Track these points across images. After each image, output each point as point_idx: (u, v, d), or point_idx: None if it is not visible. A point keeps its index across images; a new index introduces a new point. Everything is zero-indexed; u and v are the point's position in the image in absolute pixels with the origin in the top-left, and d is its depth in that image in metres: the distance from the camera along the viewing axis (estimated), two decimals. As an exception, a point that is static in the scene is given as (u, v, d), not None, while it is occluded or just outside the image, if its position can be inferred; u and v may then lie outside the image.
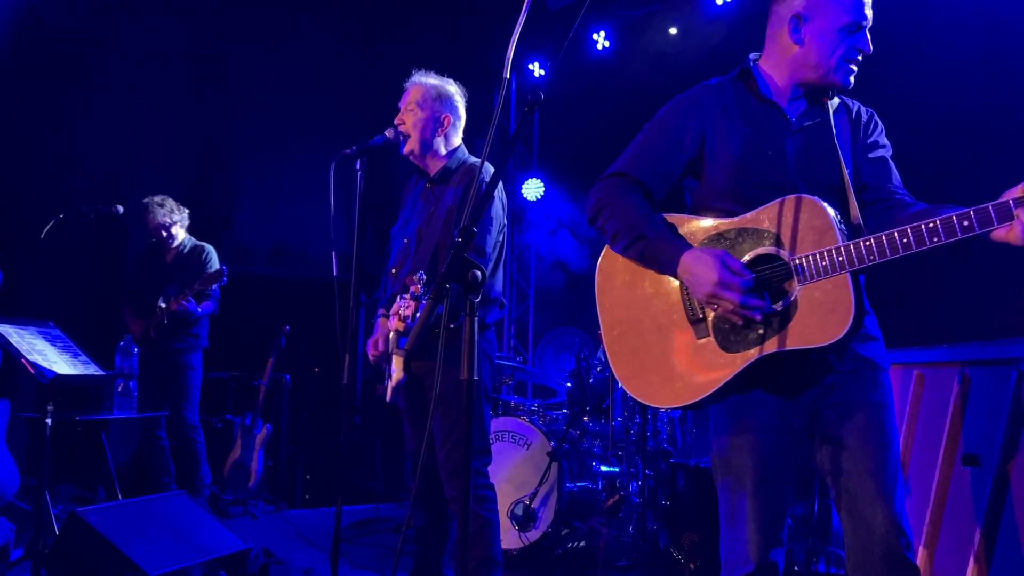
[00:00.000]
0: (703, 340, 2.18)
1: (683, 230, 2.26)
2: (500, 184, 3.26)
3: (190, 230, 6.00)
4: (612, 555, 4.74)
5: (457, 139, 3.53)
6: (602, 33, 7.30)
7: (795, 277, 2.05)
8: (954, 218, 1.86)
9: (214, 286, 5.51)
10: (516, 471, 4.98)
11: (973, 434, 2.88)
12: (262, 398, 6.37)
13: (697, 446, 5.53)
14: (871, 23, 2.21)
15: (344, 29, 7.64)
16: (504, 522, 4.73)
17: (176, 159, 7.16)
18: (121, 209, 5.39)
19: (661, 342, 2.24)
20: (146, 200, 5.79)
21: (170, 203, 5.82)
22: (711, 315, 2.17)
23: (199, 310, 5.60)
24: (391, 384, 3.22)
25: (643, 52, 7.16)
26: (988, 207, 1.84)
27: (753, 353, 2.09)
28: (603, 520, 4.93)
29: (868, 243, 1.97)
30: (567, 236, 7.82)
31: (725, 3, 6.38)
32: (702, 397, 2.15)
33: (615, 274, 2.35)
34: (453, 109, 3.49)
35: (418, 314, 2.96)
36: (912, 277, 5.13)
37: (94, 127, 6.57)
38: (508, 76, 1.89)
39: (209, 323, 5.93)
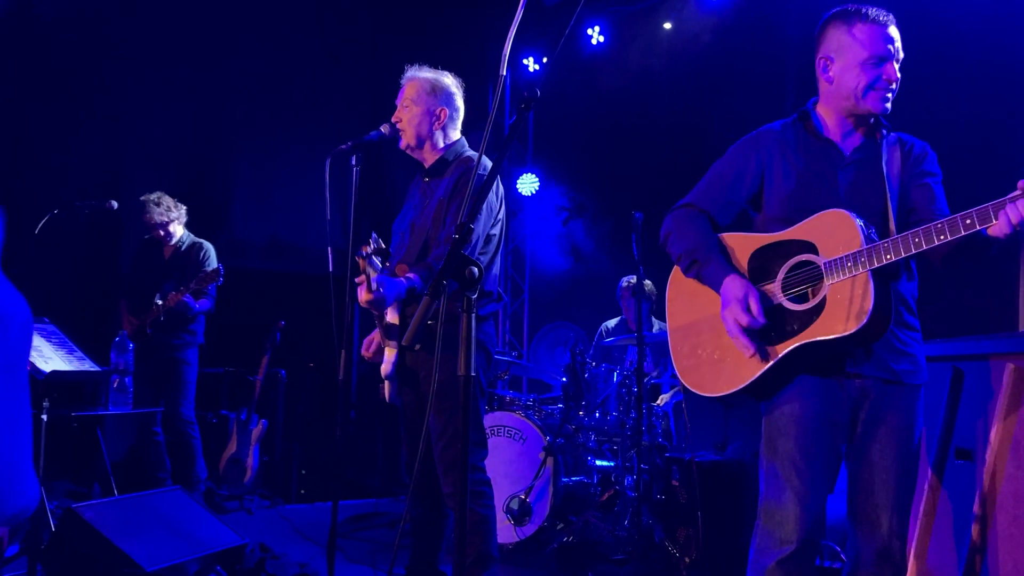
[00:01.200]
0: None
1: (735, 244, 2.60)
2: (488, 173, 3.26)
3: (187, 226, 6.00)
4: (607, 549, 4.76)
5: (455, 133, 3.52)
6: (596, 28, 7.30)
7: (824, 277, 2.33)
8: (958, 217, 2.11)
9: (211, 285, 5.51)
10: (511, 466, 4.99)
11: (967, 429, 2.89)
12: (258, 393, 6.36)
13: (692, 440, 5.55)
14: (901, 54, 2.47)
15: (340, 24, 7.63)
16: (499, 516, 4.73)
17: (171, 154, 7.14)
18: (115, 205, 5.39)
19: (714, 340, 2.57)
20: (143, 198, 5.78)
21: (166, 200, 5.81)
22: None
23: (196, 306, 5.60)
24: (383, 371, 3.23)
25: (637, 47, 7.17)
26: (988, 207, 2.08)
27: (788, 344, 2.37)
28: (598, 514, 4.94)
29: (885, 244, 2.23)
30: (562, 231, 7.83)
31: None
32: (745, 384, 2.44)
33: (681, 286, 2.74)
34: (449, 102, 3.47)
35: (373, 278, 3.02)
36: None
37: (89, 122, 6.56)
38: (504, 73, 1.90)
39: (205, 319, 5.92)
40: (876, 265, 2.23)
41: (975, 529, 2.71)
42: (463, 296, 1.67)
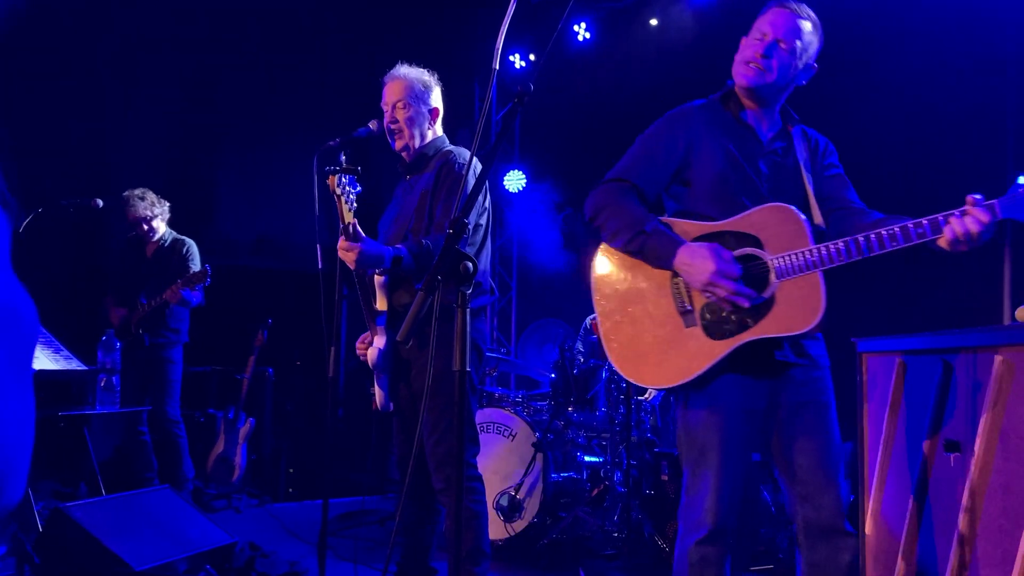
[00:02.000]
0: (691, 328, 2.48)
1: (676, 230, 2.55)
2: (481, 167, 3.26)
3: (171, 223, 5.97)
4: (597, 545, 4.77)
5: (440, 129, 3.53)
6: (583, 25, 7.30)
7: (772, 274, 2.35)
8: (910, 225, 2.18)
9: (199, 285, 5.49)
10: (501, 462, 4.99)
11: (955, 421, 2.91)
12: (245, 392, 6.34)
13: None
14: (794, 44, 2.53)
15: (327, 21, 7.60)
16: (490, 513, 4.74)
17: (157, 151, 7.10)
18: (101, 203, 5.35)
19: (653, 330, 2.54)
20: (126, 193, 5.75)
21: (150, 196, 5.78)
22: (698, 306, 2.47)
23: (194, 299, 5.59)
24: (370, 358, 3.23)
25: (624, 44, 7.17)
26: (939, 217, 2.16)
27: (736, 340, 2.40)
28: (588, 510, 4.95)
29: (838, 246, 2.27)
30: (549, 227, 7.83)
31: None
32: (689, 379, 2.46)
33: (611, 269, 2.67)
34: (437, 100, 3.49)
35: (344, 209, 3.04)
36: (895, 267, 5.19)
37: (74, 119, 6.51)
38: (496, 67, 1.90)
39: (190, 316, 5.90)
40: (828, 267, 2.29)
41: (963, 520, 2.73)
42: (457, 291, 1.66)
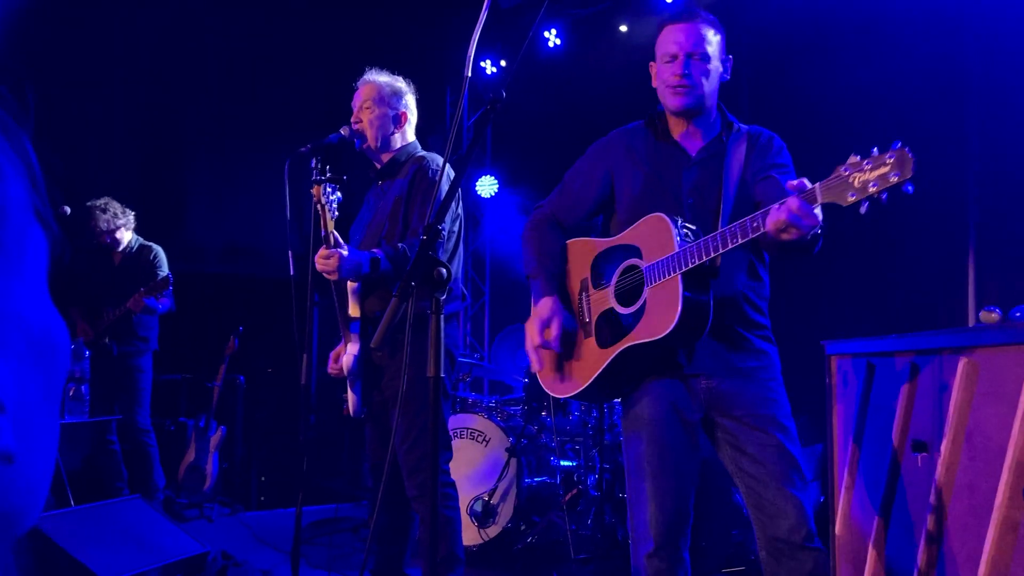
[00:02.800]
0: (588, 339, 2.57)
1: (579, 249, 2.69)
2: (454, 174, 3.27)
3: (139, 230, 5.91)
4: (571, 549, 4.77)
5: (412, 135, 3.53)
6: (553, 31, 7.33)
7: (644, 282, 2.40)
8: (747, 220, 2.16)
9: (167, 291, 5.45)
10: (475, 468, 4.99)
11: (923, 422, 2.96)
12: (216, 400, 6.29)
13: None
14: (703, 48, 2.54)
15: (298, 26, 7.56)
16: (464, 518, 4.73)
17: (125, 156, 7.03)
18: (68, 210, 5.29)
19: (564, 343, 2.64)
20: (89, 204, 5.68)
21: (114, 207, 5.72)
22: (594, 317, 2.56)
23: (160, 306, 5.53)
24: (343, 365, 3.22)
25: (594, 50, 7.21)
26: (771, 208, 2.12)
27: (617, 347, 2.44)
28: (562, 514, 4.96)
29: (690, 248, 2.28)
30: (520, 233, 7.82)
31: (675, 1, 6.45)
32: (582, 388, 2.54)
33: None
34: (408, 106, 3.49)
35: (327, 218, 3.06)
36: (863, 270, 5.26)
37: (39, 125, 6.42)
38: (468, 74, 1.91)
39: (160, 324, 5.85)
40: (685, 268, 2.27)
41: (931, 520, 2.77)
42: (431, 297, 1.67)
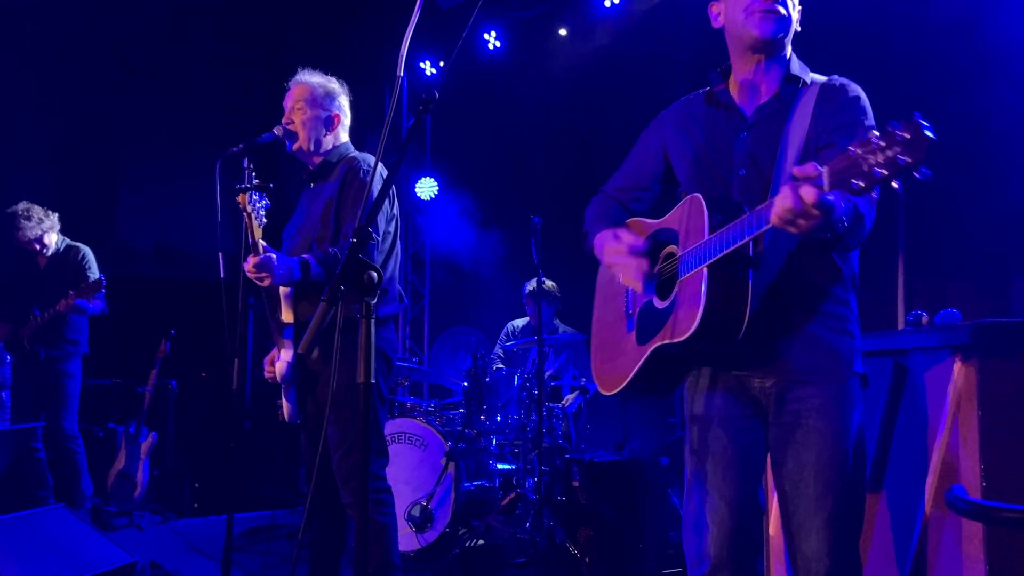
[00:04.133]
0: (631, 333, 2.29)
1: (636, 230, 2.33)
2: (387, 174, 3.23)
3: (67, 232, 5.74)
4: (509, 552, 4.76)
5: (344, 135, 3.48)
6: (493, 33, 7.32)
7: (678, 272, 2.09)
8: (761, 209, 1.83)
9: (99, 294, 5.30)
10: (413, 472, 4.94)
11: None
12: (147, 405, 6.13)
13: (591, 441, 5.61)
14: None
15: (233, 24, 7.43)
16: (401, 524, 4.69)
17: (51, 157, 6.83)
18: None
19: (612, 335, 2.40)
20: (11, 210, 5.50)
21: (36, 212, 5.54)
22: (636, 309, 2.28)
23: (91, 307, 5.38)
24: (277, 372, 3.16)
25: (534, 52, 7.23)
26: (775, 196, 1.79)
27: (650, 346, 2.15)
28: (500, 518, 4.95)
29: (712, 237, 1.97)
30: (461, 235, 7.81)
31: (613, 5, 6.50)
32: (621, 387, 2.26)
33: (601, 272, 2.53)
34: (341, 107, 3.45)
35: (262, 243, 2.97)
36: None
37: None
38: (401, 75, 1.87)
39: (89, 327, 5.69)
40: (710, 260, 1.95)
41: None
42: (361, 301, 1.63)
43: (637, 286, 2.16)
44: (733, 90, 2.28)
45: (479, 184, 7.75)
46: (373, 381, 1.63)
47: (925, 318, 2.87)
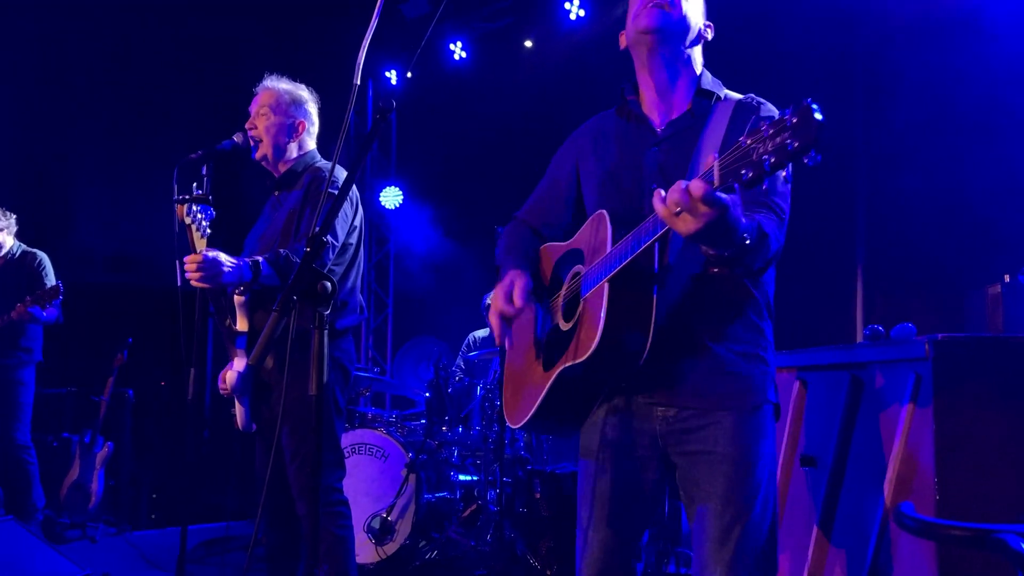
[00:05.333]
0: (539, 360, 2.16)
1: (548, 254, 2.28)
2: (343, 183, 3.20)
3: (23, 236, 5.64)
4: (470, 564, 4.73)
5: (311, 144, 3.44)
6: (459, 44, 7.33)
7: (582, 292, 2.00)
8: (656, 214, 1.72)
9: (54, 301, 5.20)
10: (373, 484, 4.90)
11: (811, 436, 3.03)
12: (103, 414, 6.02)
13: (553, 453, 5.59)
14: None
15: (197, 28, 7.35)
16: (360, 536, 4.64)
17: (8, 160, 6.70)
18: None
19: (522, 364, 2.26)
20: None
21: None
22: (544, 335, 2.17)
23: (44, 316, 5.27)
24: (229, 384, 3.11)
25: (499, 63, 7.25)
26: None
27: (555, 371, 2.03)
28: (461, 530, 4.91)
29: (613, 250, 1.88)
30: (426, 245, 7.79)
31: (578, 18, 6.53)
32: (527, 419, 2.14)
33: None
34: (307, 115, 3.40)
35: (203, 252, 2.88)
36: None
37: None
38: (358, 83, 1.85)
39: (44, 335, 5.58)
40: (609, 274, 1.86)
41: (816, 531, 2.84)
42: (315, 312, 1.60)
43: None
44: (644, 105, 2.20)
45: (444, 194, 7.74)
46: (328, 393, 1.60)
47: (883, 332, 2.90)
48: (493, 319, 2.11)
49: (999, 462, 2.23)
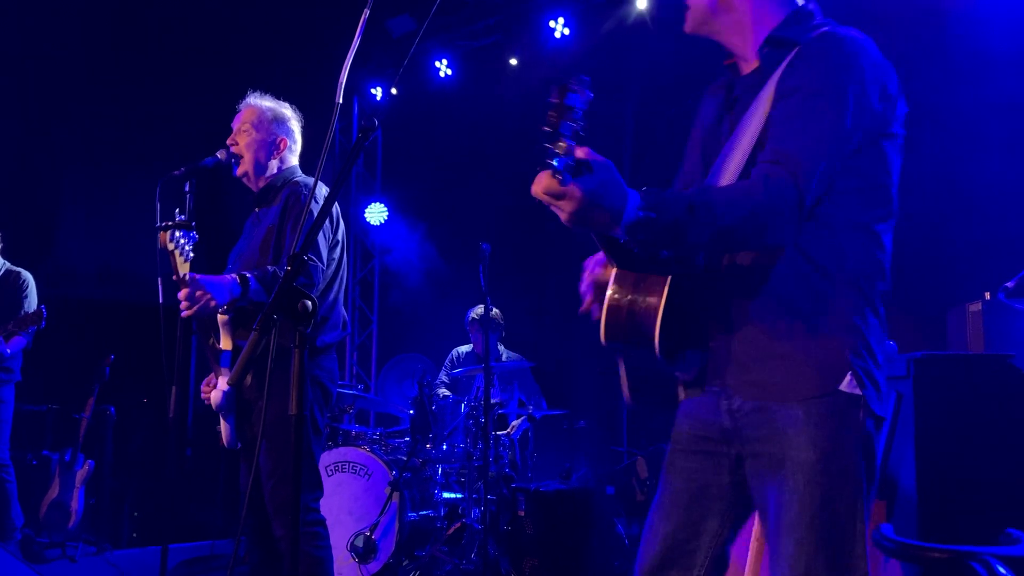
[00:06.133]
0: None
1: None
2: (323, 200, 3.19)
3: (6, 251, 5.59)
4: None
5: (293, 161, 3.44)
6: (444, 61, 7.35)
7: None
8: None
9: (30, 328, 5.15)
10: (356, 502, 4.87)
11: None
12: (84, 432, 5.96)
13: (538, 470, 5.58)
14: None
15: (179, 46, 7.34)
16: (344, 555, 4.61)
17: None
18: None
19: None
20: None
21: None
22: None
23: (8, 351, 5.20)
24: (213, 401, 3.10)
25: (485, 81, 7.28)
26: None
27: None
28: (445, 548, 4.89)
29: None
30: (410, 261, 7.78)
31: (563, 36, 6.57)
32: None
33: None
34: (289, 132, 3.40)
35: (191, 276, 2.87)
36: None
37: None
38: (340, 101, 1.85)
39: (24, 353, 5.52)
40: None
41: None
42: (295, 330, 1.60)
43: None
44: (740, 63, 1.93)
45: (429, 210, 7.74)
46: (307, 412, 1.59)
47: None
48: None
49: (981, 480, 2.24)
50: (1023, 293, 3.35)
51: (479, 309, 5.96)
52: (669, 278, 1.66)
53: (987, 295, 3.58)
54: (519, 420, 5.59)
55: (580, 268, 1.91)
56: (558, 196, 1.48)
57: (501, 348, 6.15)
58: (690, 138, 2.04)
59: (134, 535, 6.57)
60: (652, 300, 1.65)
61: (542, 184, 1.48)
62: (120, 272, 7.32)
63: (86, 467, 5.92)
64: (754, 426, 1.73)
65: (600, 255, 1.83)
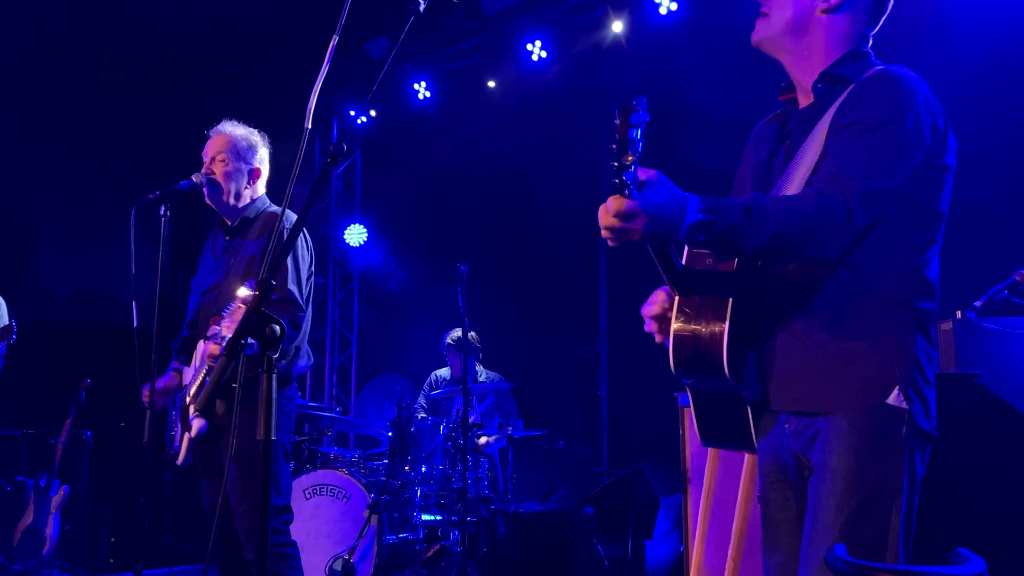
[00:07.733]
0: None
1: None
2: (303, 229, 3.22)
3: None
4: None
5: (262, 189, 3.48)
6: (423, 83, 7.39)
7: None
8: None
9: (1, 344, 5.10)
10: (335, 525, 4.85)
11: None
12: (59, 457, 5.90)
13: (518, 491, 5.57)
14: None
15: (155, 70, 7.34)
16: (322, 579, 4.59)
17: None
18: None
19: None
20: None
21: None
22: None
23: None
24: (193, 431, 3.09)
25: (463, 103, 7.32)
26: None
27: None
28: (424, 571, 4.87)
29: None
30: (390, 283, 7.78)
31: (540, 59, 6.62)
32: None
33: None
34: (262, 161, 3.46)
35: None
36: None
37: None
38: (309, 127, 1.87)
39: (-4, 376, 5.47)
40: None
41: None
42: (263, 356, 1.60)
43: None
44: (799, 96, 1.99)
45: (408, 231, 7.76)
46: (275, 438, 1.60)
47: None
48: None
49: (940, 500, 2.25)
50: (992, 312, 3.39)
51: (455, 333, 5.97)
52: (730, 301, 1.74)
53: (958, 314, 3.62)
54: (494, 437, 5.57)
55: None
56: (630, 216, 1.54)
57: (480, 368, 6.15)
58: (740, 167, 2.12)
59: (111, 561, 6.50)
60: (717, 325, 1.74)
61: (613, 207, 1.54)
62: (96, 296, 7.28)
63: (61, 492, 5.86)
64: (807, 442, 1.79)
65: (665, 288, 1.90)
